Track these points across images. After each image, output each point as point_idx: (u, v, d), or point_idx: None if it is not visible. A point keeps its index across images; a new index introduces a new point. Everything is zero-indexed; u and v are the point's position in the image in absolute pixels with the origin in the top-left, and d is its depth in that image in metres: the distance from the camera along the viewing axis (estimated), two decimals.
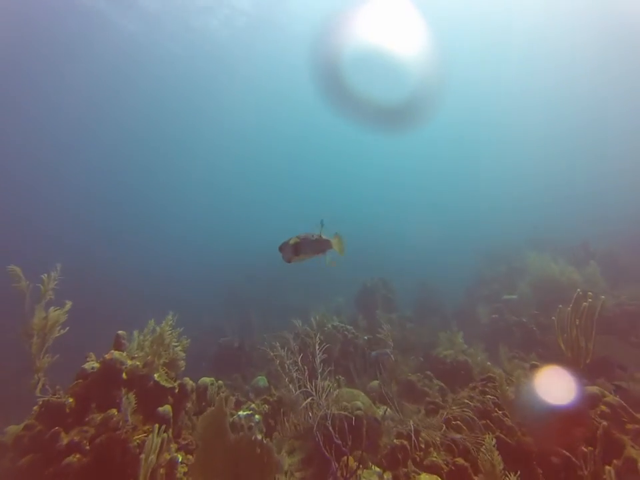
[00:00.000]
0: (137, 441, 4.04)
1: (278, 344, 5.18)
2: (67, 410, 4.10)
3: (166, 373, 4.74)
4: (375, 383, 7.52)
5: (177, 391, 4.75)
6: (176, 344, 4.82)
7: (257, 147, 44.81)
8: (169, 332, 4.67)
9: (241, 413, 5.73)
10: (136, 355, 4.83)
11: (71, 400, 4.21)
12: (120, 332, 4.85)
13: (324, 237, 2.91)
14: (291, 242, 2.83)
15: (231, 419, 5.67)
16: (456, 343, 7.80)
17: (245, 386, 9.70)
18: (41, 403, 4.13)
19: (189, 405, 4.88)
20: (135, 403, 4.41)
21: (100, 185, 43.50)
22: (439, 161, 48.50)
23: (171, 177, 48.25)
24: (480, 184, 45.31)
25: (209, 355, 10.71)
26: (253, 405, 6.15)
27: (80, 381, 4.42)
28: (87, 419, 4.16)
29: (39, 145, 36.84)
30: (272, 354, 5.18)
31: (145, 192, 48.17)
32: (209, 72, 30.56)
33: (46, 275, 4.45)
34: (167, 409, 4.29)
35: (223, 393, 6.07)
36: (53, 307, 4.28)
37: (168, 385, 4.62)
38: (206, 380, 5.87)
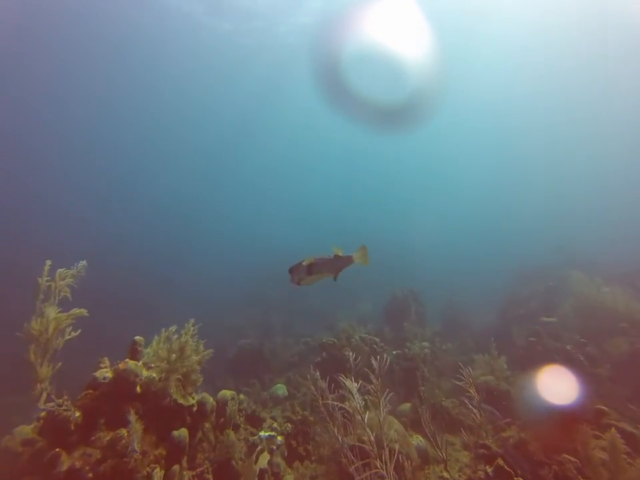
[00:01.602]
0: (147, 470, 3.43)
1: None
2: (72, 426, 3.52)
3: (182, 387, 4.12)
4: (407, 406, 6.74)
5: (195, 409, 4.12)
6: (195, 357, 4.20)
7: (279, 149, 44.05)
8: (190, 344, 4.05)
9: (262, 433, 5.07)
10: (152, 365, 4.24)
11: (77, 414, 3.64)
12: (137, 338, 4.27)
13: (342, 254, 2.73)
14: (305, 262, 2.66)
15: (251, 440, 5.03)
16: (497, 368, 6.91)
17: (263, 392, 9.09)
18: (44, 415, 3.57)
19: (207, 425, 4.24)
20: (147, 422, 3.82)
21: (138, 185, 43.91)
22: (465, 172, 46.65)
23: (201, 177, 48.10)
24: (510, 198, 43.13)
25: (227, 357, 10.13)
26: (274, 424, 5.48)
27: (90, 391, 3.85)
28: (93, 438, 3.58)
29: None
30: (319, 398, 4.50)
31: (173, 191, 48.15)
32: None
33: (60, 270, 3.90)
34: (182, 433, 3.66)
35: (242, 406, 5.45)
36: (54, 308, 3.69)
37: (186, 403, 3.99)
38: (226, 394, 5.24)
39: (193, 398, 4.19)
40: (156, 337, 4.48)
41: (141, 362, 4.20)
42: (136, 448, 3.24)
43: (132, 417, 3.31)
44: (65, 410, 3.68)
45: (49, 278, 3.88)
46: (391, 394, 7.48)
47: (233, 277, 19.81)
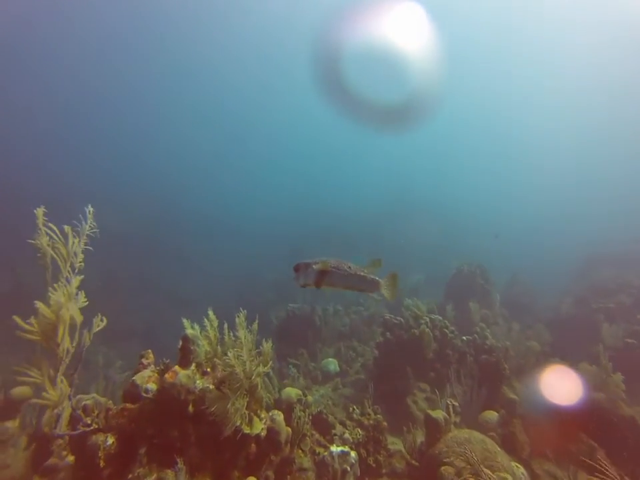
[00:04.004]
0: None
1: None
2: (102, 462, 2.39)
3: (247, 406, 2.89)
4: (493, 415, 5.39)
5: (263, 435, 2.91)
6: (260, 368, 2.91)
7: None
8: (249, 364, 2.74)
9: (333, 449, 3.91)
10: (208, 369, 3.02)
11: (111, 441, 2.50)
12: (189, 333, 3.01)
13: (369, 274, 2.13)
14: (317, 266, 2.04)
15: (320, 454, 3.90)
16: (611, 384, 5.35)
17: (311, 364, 8.10)
18: (67, 440, 2.46)
19: (277, 458, 3.04)
20: (201, 454, 2.66)
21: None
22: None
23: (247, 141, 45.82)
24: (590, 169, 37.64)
25: (273, 321, 9.13)
26: (346, 434, 4.30)
27: (128, 405, 2.70)
28: (130, 477, 2.46)
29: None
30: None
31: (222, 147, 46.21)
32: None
33: (68, 229, 2.56)
34: None
35: (310, 409, 4.27)
36: (67, 291, 2.38)
37: (253, 432, 2.77)
38: (291, 394, 4.08)
39: (261, 419, 2.97)
40: (202, 333, 3.16)
41: (193, 365, 2.97)
42: None
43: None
44: (96, 430, 2.56)
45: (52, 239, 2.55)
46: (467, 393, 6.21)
47: (277, 233, 18.62)
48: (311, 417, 4.25)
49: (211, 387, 2.88)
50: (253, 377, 2.74)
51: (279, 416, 3.09)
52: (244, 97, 37.12)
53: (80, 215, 2.72)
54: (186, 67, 32.07)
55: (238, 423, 2.63)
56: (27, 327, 2.22)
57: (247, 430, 2.72)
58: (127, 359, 9.31)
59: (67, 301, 2.33)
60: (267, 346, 3.25)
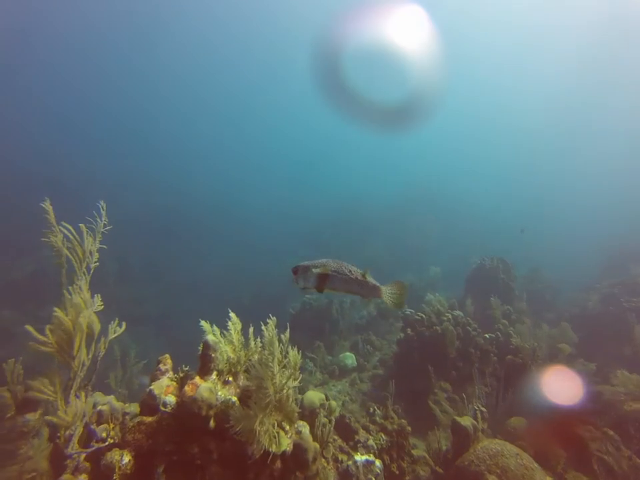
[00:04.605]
0: None
1: None
2: None
3: (275, 423, 2.63)
4: (521, 421, 5.08)
5: (288, 451, 2.66)
6: (291, 382, 2.64)
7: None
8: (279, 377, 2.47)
9: (357, 457, 3.68)
10: (229, 378, 2.78)
11: (127, 458, 2.28)
12: (210, 339, 2.76)
13: (370, 280, 2.09)
14: (316, 270, 2.02)
15: (342, 462, 3.68)
16: None
17: (328, 357, 7.90)
18: (76, 461, 2.24)
19: (302, 475, 2.80)
20: (221, 474, 2.43)
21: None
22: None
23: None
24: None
25: (289, 311, 8.92)
26: (370, 441, 4.06)
27: (144, 419, 2.47)
28: None
29: None
30: None
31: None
32: None
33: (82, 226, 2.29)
34: None
35: (334, 414, 4.03)
36: (82, 295, 2.11)
37: (278, 450, 2.53)
38: (314, 399, 3.82)
39: (286, 432, 2.72)
40: (223, 337, 2.89)
41: (214, 374, 2.73)
42: None
43: None
44: (111, 446, 2.34)
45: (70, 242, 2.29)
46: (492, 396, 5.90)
47: (293, 227, 18.29)
48: (334, 423, 4.02)
49: (234, 398, 2.64)
50: (285, 391, 2.47)
51: (305, 428, 2.84)
52: (262, 95, 37.16)
53: (94, 210, 2.45)
54: (202, 62, 32.19)
55: (266, 444, 2.37)
56: (41, 337, 1.97)
57: (274, 449, 2.47)
58: (142, 345, 9.29)
59: (84, 307, 2.08)
60: (294, 354, 2.98)
